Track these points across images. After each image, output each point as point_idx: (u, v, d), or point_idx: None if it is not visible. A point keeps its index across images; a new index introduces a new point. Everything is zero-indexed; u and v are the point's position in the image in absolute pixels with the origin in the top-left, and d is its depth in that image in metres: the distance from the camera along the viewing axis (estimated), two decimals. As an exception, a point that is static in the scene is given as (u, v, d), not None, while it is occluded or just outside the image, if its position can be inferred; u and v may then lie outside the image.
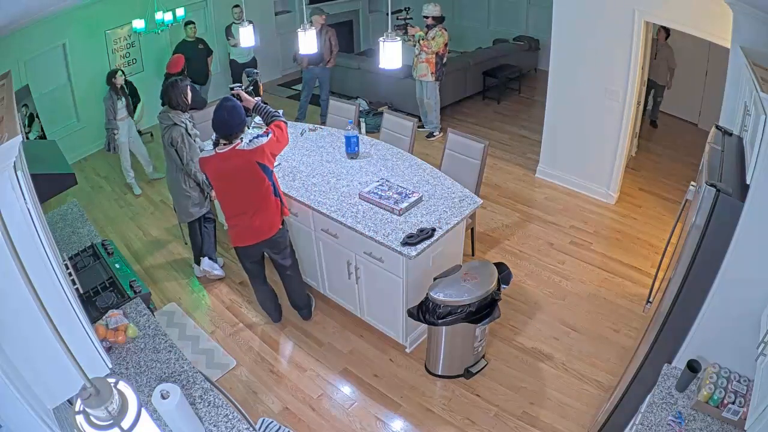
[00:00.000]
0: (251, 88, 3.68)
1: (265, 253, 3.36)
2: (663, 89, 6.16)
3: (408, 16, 5.84)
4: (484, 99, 7.54)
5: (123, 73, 5.15)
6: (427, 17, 5.71)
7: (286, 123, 3.14)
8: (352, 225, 3.13)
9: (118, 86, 5.04)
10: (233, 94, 3.14)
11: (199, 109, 4.00)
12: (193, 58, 6.27)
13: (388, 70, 3.29)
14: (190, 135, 3.56)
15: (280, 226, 3.21)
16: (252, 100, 3.23)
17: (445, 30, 5.77)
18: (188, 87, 3.57)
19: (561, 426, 2.90)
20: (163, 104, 3.69)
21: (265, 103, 3.25)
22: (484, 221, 4.68)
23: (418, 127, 6.48)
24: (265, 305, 3.68)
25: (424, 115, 6.36)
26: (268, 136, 2.96)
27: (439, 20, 5.71)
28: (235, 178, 2.97)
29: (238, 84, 3.45)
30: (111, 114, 5.01)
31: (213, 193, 3.82)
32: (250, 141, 2.96)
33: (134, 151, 5.45)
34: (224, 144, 2.92)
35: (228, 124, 2.87)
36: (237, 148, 2.91)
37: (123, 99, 5.08)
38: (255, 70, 3.99)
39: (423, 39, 5.73)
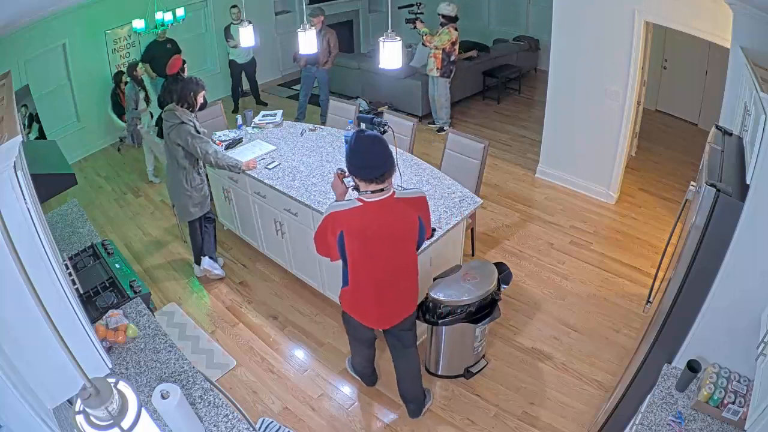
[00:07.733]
0: None
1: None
2: None
3: (419, 11, 5.92)
4: (484, 99, 7.54)
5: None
6: (440, 15, 5.86)
7: None
8: (352, 225, 3.12)
9: (139, 78, 5.20)
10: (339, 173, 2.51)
11: (200, 109, 3.99)
12: (161, 56, 6.33)
13: (388, 70, 3.29)
14: (198, 133, 3.55)
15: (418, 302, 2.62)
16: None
17: (455, 30, 5.87)
18: (203, 89, 3.55)
19: (561, 426, 2.90)
20: (160, 105, 3.68)
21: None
22: (484, 221, 4.68)
23: (429, 123, 6.54)
24: (364, 368, 3.14)
25: (434, 111, 6.46)
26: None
27: (451, 19, 5.83)
28: (389, 235, 2.30)
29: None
30: (134, 105, 5.14)
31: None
32: (405, 189, 2.41)
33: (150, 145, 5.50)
34: (374, 192, 2.22)
35: (382, 160, 2.18)
36: (396, 196, 2.27)
37: (143, 91, 5.24)
38: (384, 120, 3.33)
39: (427, 34, 5.86)
